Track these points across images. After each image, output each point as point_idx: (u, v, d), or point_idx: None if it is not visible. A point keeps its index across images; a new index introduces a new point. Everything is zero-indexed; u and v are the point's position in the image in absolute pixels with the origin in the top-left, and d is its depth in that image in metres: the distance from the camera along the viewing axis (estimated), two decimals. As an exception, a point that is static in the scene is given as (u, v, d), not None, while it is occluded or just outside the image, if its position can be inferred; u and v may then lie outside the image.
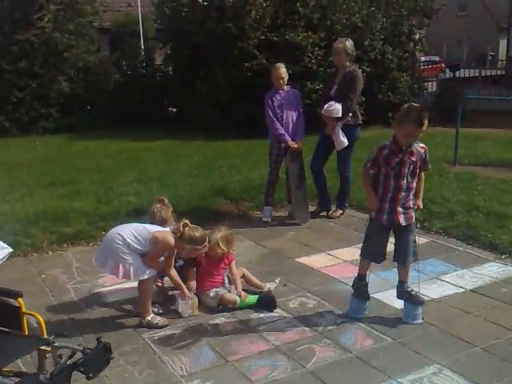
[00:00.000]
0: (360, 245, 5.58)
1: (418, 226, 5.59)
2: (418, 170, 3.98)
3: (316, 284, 4.85)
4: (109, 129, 14.72)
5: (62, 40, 15.85)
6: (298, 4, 13.82)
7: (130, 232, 4.16)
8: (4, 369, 3.11)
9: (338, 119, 6.43)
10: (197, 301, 4.39)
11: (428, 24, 18.08)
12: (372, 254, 4.20)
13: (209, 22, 13.90)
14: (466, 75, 22.56)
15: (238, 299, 4.45)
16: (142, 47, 19.10)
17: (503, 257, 5.33)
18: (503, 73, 26.65)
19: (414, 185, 4.03)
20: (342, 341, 3.90)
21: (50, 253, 5.86)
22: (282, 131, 6.46)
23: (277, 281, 4.85)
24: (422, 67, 22.90)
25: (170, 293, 4.61)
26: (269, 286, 4.69)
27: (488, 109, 16.23)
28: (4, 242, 3.62)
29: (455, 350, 3.71)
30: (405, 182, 3.95)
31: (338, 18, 14.11)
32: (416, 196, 4.10)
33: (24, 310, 3.29)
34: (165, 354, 3.82)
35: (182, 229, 4.28)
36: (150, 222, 4.54)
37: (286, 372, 3.56)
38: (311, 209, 6.92)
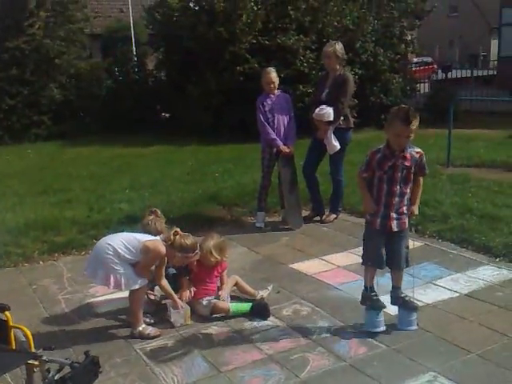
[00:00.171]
0: (353, 249, 5.66)
1: (413, 229, 5.56)
2: (411, 176, 3.91)
3: (310, 291, 4.80)
4: (101, 135, 14.68)
5: (53, 47, 15.83)
6: (290, 7, 13.81)
7: (121, 242, 4.10)
8: (-9, 384, 3.07)
9: (329, 123, 6.39)
10: (189, 310, 4.33)
11: (419, 25, 18.09)
12: (372, 259, 4.08)
13: (200, 27, 13.88)
14: (458, 76, 22.58)
15: (231, 307, 4.40)
16: (134, 53, 19.04)
17: (497, 260, 5.29)
18: (495, 73, 26.69)
19: (408, 190, 3.95)
20: (335, 349, 3.85)
21: (41, 262, 5.79)
22: (274, 136, 6.42)
23: (270, 288, 4.80)
24: (414, 69, 22.94)
25: (162, 302, 4.56)
26: (262, 293, 4.65)
27: (480, 109, 16.26)
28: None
29: (450, 357, 3.67)
30: (398, 187, 3.88)
31: (329, 21, 14.12)
32: (411, 202, 4.01)
33: (11, 323, 3.23)
34: (156, 365, 3.76)
35: (172, 237, 4.24)
36: (143, 233, 4.48)
37: (279, 382, 3.50)
38: (304, 214, 6.87)
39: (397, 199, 3.91)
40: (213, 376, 3.60)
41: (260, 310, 4.36)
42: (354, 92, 13.53)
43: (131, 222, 6.15)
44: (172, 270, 4.60)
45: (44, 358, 3.02)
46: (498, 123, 13.62)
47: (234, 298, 4.63)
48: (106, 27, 24.04)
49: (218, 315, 4.38)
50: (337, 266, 5.35)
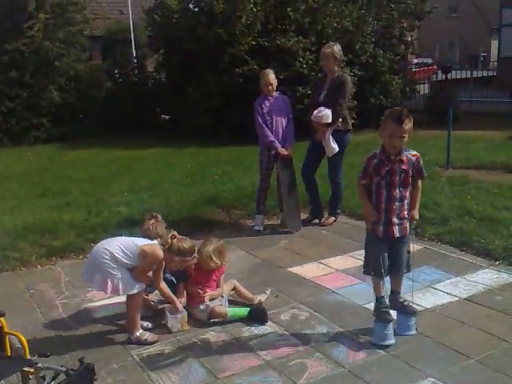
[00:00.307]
0: (352, 252, 5.64)
1: (412, 232, 5.53)
2: (410, 179, 3.86)
3: (308, 295, 4.77)
4: (101, 137, 14.66)
5: (53, 49, 15.81)
6: (289, 9, 13.79)
7: (118, 246, 4.07)
8: (-13, 391, 3.05)
9: (327, 125, 6.36)
10: (186, 315, 4.30)
11: (419, 26, 18.05)
12: (375, 268, 3.98)
13: (199, 28, 13.86)
14: (458, 77, 22.56)
15: (228, 312, 4.38)
16: (134, 54, 19.04)
17: (497, 263, 5.26)
18: (495, 74, 26.68)
19: (408, 194, 3.90)
20: (334, 354, 3.82)
21: (39, 267, 5.76)
22: (272, 138, 6.40)
23: (268, 292, 4.78)
24: (414, 70, 22.93)
25: (159, 307, 4.53)
26: (259, 298, 4.62)
27: (480, 110, 16.23)
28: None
29: (449, 362, 3.64)
30: (397, 191, 3.83)
31: (328, 22, 14.09)
32: (411, 206, 3.95)
33: (6, 329, 3.20)
34: (153, 371, 3.73)
35: (170, 240, 4.21)
36: (143, 237, 4.45)
37: (276, 389, 3.48)
38: (303, 216, 6.85)
39: (397, 204, 3.86)
40: (210, 382, 3.57)
41: (258, 315, 4.33)
42: (354, 93, 13.61)
43: (129, 226, 6.12)
44: (169, 276, 4.57)
45: (39, 365, 3.00)
46: (498, 124, 13.57)
47: (231, 303, 4.60)
48: (106, 29, 24.03)
49: (215, 320, 4.35)
50: (335, 270, 5.32)
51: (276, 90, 6.58)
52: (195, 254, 4.32)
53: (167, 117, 17.02)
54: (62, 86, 16.12)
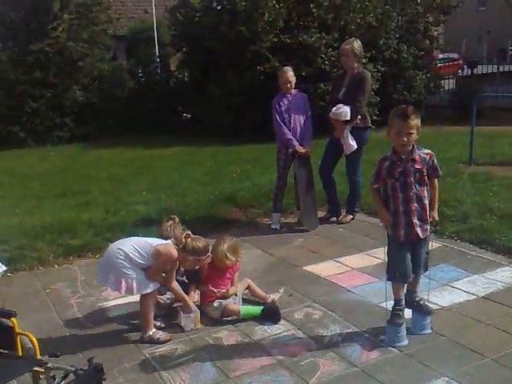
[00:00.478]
0: (369, 251, 5.58)
1: (431, 230, 5.43)
2: (425, 178, 3.76)
3: (323, 293, 4.72)
4: (123, 137, 14.73)
5: (77, 49, 15.91)
6: (312, 5, 13.68)
7: (132, 246, 4.08)
8: (-2, 390, 3.07)
9: (346, 122, 6.29)
10: (199, 314, 4.30)
11: (444, 21, 17.79)
12: (399, 274, 3.89)
13: (221, 26, 13.84)
14: (485, 71, 22.17)
15: (241, 310, 4.36)
16: (157, 53, 19.10)
17: (517, 261, 5.15)
18: (523, 68, 26.15)
19: (426, 193, 3.78)
20: (347, 354, 3.78)
21: (56, 266, 5.80)
22: (290, 136, 6.35)
23: (281, 291, 4.75)
24: (439, 65, 22.62)
25: (174, 305, 4.53)
26: (273, 296, 4.59)
27: (506, 106, 15.89)
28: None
29: (465, 362, 3.57)
30: (414, 191, 3.73)
31: (351, 18, 13.95)
32: (430, 207, 3.84)
33: (17, 330, 3.21)
34: (165, 370, 3.72)
35: (184, 240, 4.22)
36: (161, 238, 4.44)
37: (287, 388, 3.45)
38: (320, 214, 6.78)
39: (416, 204, 3.75)
40: (221, 382, 3.56)
41: (271, 314, 4.31)
42: (377, 89, 13.46)
43: (146, 225, 6.15)
44: (180, 277, 4.57)
45: (49, 365, 3.01)
46: (524, 120, 13.32)
47: (245, 301, 4.57)
48: (130, 28, 24.14)
49: (228, 318, 4.34)
50: (351, 268, 5.26)
51: (295, 88, 6.52)
52: (209, 254, 4.32)
53: (189, 115, 17.04)
54: (85, 86, 16.21)
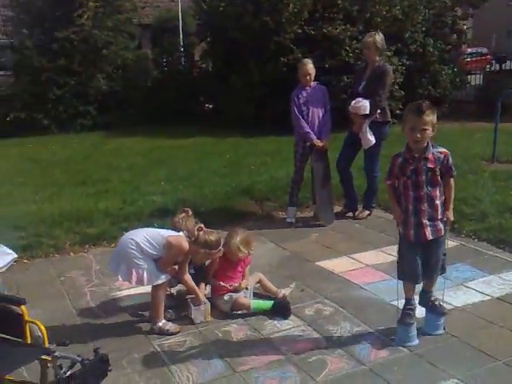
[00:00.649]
0: (385, 247, 5.52)
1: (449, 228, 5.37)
2: (438, 178, 3.65)
3: (335, 290, 4.69)
4: (144, 126, 14.80)
5: (101, 37, 15.98)
6: (338, -4, 13.56)
7: (144, 237, 4.09)
8: (6, 377, 3.10)
9: (365, 116, 6.22)
10: (209, 307, 4.30)
11: (473, 15, 17.51)
12: (409, 274, 3.83)
13: (246, 17, 13.78)
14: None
15: (252, 304, 4.35)
16: (182, 43, 19.10)
17: (535, 262, 5.06)
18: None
19: (438, 193, 3.68)
20: (356, 352, 3.75)
21: (72, 254, 5.85)
22: (308, 129, 6.30)
23: (292, 286, 4.73)
24: (467, 59, 22.29)
25: (186, 297, 4.53)
26: (283, 291, 4.57)
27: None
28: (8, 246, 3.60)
29: (476, 364, 3.52)
30: (425, 191, 3.64)
31: (377, 10, 13.79)
32: (445, 207, 3.74)
33: (27, 317, 3.24)
34: (173, 362, 3.73)
35: (196, 233, 4.21)
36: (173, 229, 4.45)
37: (294, 384, 3.43)
38: (337, 209, 6.74)
39: (426, 205, 3.66)
40: (228, 376, 3.56)
41: (281, 309, 4.29)
42: (401, 83, 13.28)
43: (162, 215, 6.17)
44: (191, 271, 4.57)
45: (56, 353, 3.03)
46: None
47: (256, 296, 4.57)
48: (156, 17, 24.18)
49: (238, 312, 4.33)
50: (365, 265, 5.22)
51: (317, 80, 6.47)
52: (221, 248, 4.31)
53: (211, 106, 17.03)
54: (109, 75, 16.33)
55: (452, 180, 3.75)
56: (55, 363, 3.04)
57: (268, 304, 4.36)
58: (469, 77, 17.82)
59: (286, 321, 4.21)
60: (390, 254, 5.27)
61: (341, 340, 3.91)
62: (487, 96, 14.70)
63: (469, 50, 25.59)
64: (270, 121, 13.38)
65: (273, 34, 13.47)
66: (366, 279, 4.87)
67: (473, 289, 4.59)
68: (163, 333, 4.09)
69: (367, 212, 6.62)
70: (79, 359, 3.08)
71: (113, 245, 5.89)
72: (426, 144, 3.62)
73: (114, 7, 16.82)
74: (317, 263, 5.30)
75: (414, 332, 3.84)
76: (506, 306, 4.28)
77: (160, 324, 4.13)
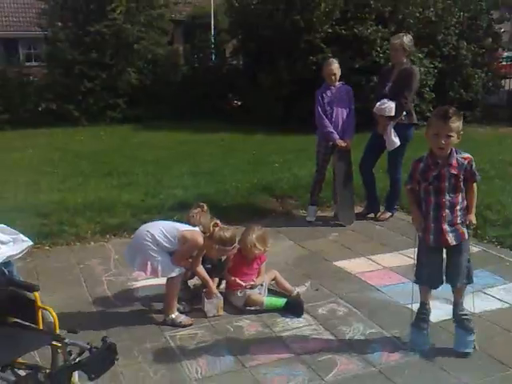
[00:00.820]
0: (404, 250, 5.44)
1: (472, 234, 5.27)
2: (461, 184, 3.55)
3: (350, 290, 4.65)
4: (172, 121, 14.85)
5: (133, 32, 16.08)
6: (370, -3, 13.46)
7: (160, 230, 4.12)
8: (18, 360, 3.14)
9: (390, 118, 6.16)
10: (222, 300, 4.30)
11: (509, 18, 17.24)
12: (426, 278, 3.77)
13: (277, 15, 13.76)
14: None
15: (265, 301, 4.34)
16: (213, 40, 19.17)
17: (559, 270, 4.95)
18: None
19: (460, 199, 3.58)
20: (366, 353, 3.71)
21: (92, 243, 5.91)
22: (331, 129, 6.28)
23: (307, 284, 4.71)
24: (504, 63, 21.89)
25: (203, 290, 4.53)
26: (298, 290, 4.55)
27: None
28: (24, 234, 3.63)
29: (488, 372, 3.46)
30: (447, 198, 3.55)
31: (410, 12, 13.65)
32: (468, 210, 3.65)
33: (39, 303, 3.28)
34: (183, 354, 3.75)
35: (211, 228, 4.22)
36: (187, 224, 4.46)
37: (302, 383, 3.41)
38: (358, 210, 6.68)
39: (447, 211, 3.57)
40: (237, 371, 3.56)
41: (294, 307, 4.28)
42: (433, 86, 13.12)
43: (182, 209, 6.16)
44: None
45: (66, 340, 3.06)
46: None
47: (270, 293, 4.56)
48: (190, 13, 24.32)
49: (251, 308, 4.32)
50: (383, 267, 5.17)
51: (345, 80, 6.44)
52: (235, 245, 4.31)
53: (239, 103, 17.05)
54: (139, 69, 16.42)
55: (475, 185, 3.66)
56: (65, 349, 3.07)
57: (281, 302, 4.35)
58: (503, 81, 17.54)
59: (299, 319, 4.19)
60: (409, 257, 5.12)
61: (352, 341, 3.88)
62: (520, 101, 14.52)
63: (505, 53, 25.16)
64: (297, 119, 13.34)
65: (303, 33, 13.43)
66: (383, 281, 4.83)
67: (492, 296, 4.52)
68: (175, 325, 4.11)
69: (389, 214, 6.55)
70: (88, 347, 3.10)
71: (132, 236, 5.92)
72: (449, 151, 3.52)
73: (146, 2, 16.90)
74: (334, 263, 5.27)
75: (428, 337, 3.78)
76: (524, 314, 4.20)
77: (173, 316, 4.15)
